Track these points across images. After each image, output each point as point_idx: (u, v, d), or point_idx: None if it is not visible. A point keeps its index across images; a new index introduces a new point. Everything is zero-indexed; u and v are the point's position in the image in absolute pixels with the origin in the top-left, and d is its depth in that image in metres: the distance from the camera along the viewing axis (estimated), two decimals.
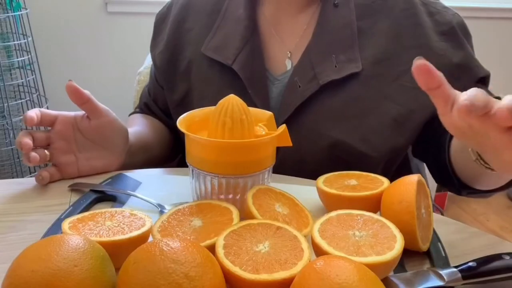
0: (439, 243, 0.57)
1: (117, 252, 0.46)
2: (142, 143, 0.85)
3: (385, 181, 0.62)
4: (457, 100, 0.44)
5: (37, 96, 1.85)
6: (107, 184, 0.70)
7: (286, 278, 0.43)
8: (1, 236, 0.58)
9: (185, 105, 0.87)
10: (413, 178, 0.56)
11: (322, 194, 0.64)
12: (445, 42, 0.79)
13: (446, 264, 0.53)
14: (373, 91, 0.79)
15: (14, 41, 1.76)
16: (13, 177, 1.81)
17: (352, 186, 0.62)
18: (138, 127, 0.89)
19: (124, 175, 0.74)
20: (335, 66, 0.78)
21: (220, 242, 0.47)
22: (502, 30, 2.35)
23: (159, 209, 0.63)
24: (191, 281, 0.39)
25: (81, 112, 0.73)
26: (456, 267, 0.49)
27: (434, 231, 0.59)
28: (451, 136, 0.74)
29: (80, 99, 0.71)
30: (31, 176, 1.14)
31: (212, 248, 0.46)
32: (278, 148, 0.65)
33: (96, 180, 0.72)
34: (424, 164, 0.96)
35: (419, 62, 0.45)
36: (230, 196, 0.61)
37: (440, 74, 0.46)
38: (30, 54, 1.80)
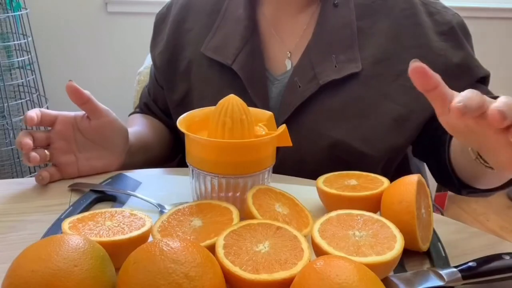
0: (439, 243, 0.57)
1: (117, 252, 0.46)
2: (142, 143, 0.85)
3: (385, 181, 0.62)
4: (452, 102, 0.44)
5: (37, 96, 1.85)
6: (107, 184, 0.70)
7: (286, 278, 0.43)
8: (1, 236, 0.58)
9: (185, 105, 0.87)
10: (413, 178, 0.56)
11: (322, 194, 0.64)
12: (445, 42, 0.79)
13: (446, 264, 0.53)
14: (373, 91, 0.79)
15: (14, 41, 1.76)
16: (13, 177, 1.81)
17: (352, 186, 0.62)
18: (138, 127, 0.89)
19: (124, 175, 0.74)
20: (335, 66, 0.78)
21: (220, 242, 0.47)
22: (502, 30, 2.35)
23: (159, 209, 0.63)
24: (191, 281, 0.39)
25: (81, 112, 0.73)
26: (456, 267, 0.49)
27: (434, 231, 0.59)
28: (451, 136, 0.74)
29: (80, 99, 0.71)
30: (31, 176, 1.14)
31: (212, 248, 0.46)
32: (278, 148, 0.65)
33: (96, 180, 0.72)
34: (424, 164, 0.96)
35: (415, 64, 0.45)
36: (230, 196, 0.61)
37: (436, 76, 0.46)
38: (30, 54, 1.80)
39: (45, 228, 0.59)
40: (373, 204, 0.59)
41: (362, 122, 0.78)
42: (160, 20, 0.95)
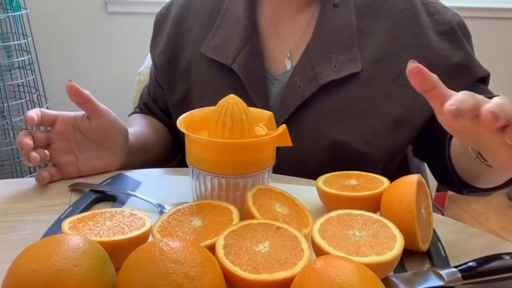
0: (439, 243, 0.57)
1: (117, 252, 0.46)
2: (142, 143, 0.85)
3: (385, 181, 0.62)
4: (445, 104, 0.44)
5: (37, 96, 1.85)
6: (107, 184, 0.70)
7: (286, 278, 0.43)
8: (1, 236, 0.58)
9: (185, 105, 0.87)
10: (413, 178, 0.56)
11: (322, 194, 0.64)
12: (445, 42, 0.79)
13: (446, 264, 0.53)
14: (373, 91, 0.79)
15: (14, 41, 1.76)
16: (13, 177, 1.81)
17: (352, 186, 0.62)
18: (138, 127, 0.89)
19: (124, 175, 0.74)
20: (335, 66, 0.78)
21: (220, 242, 0.47)
22: (502, 30, 2.35)
23: (159, 209, 0.63)
24: (191, 281, 0.39)
25: (81, 112, 0.73)
26: (456, 267, 0.49)
27: (434, 231, 0.59)
28: (451, 135, 0.74)
29: (80, 99, 0.71)
30: (31, 176, 1.14)
31: (212, 248, 0.46)
32: (278, 148, 0.65)
33: (96, 180, 0.72)
34: (425, 164, 0.96)
35: (412, 65, 0.46)
36: (230, 196, 0.61)
37: (433, 76, 0.46)
38: (30, 54, 1.80)
39: (45, 228, 0.59)
40: (373, 204, 0.59)
41: (362, 122, 0.78)
42: (160, 20, 0.95)
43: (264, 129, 0.64)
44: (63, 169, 0.73)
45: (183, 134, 0.61)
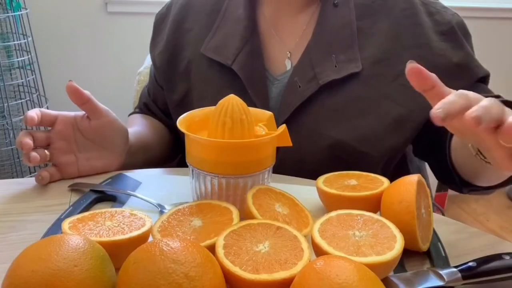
0: (439, 243, 0.57)
1: (117, 252, 0.46)
2: (142, 143, 0.85)
3: (385, 181, 0.62)
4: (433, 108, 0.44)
5: (37, 96, 1.85)
6: (107, 184, 0.70)
7: (286, 278, 0.43)
8: (1, 236, 0.58)
9: (185, 105, 0.87)
10: (413, 178, 0.56)
11: (322, 194, 0.64)
12: (445, 42, 0.79)
13: (446, 264, 0.53)
14: (373, 91, 0.79)
15: (14, 41, 1.76)
16: (13, 177, 1.81)
17: (352, 186, 0.62)
18: (138, 127, 0.89)
19: (124, 175, 0.74)
20: (335, 66, 0.78)
21: (220, 242, 0.47)
22: (502, 30, 2.35)
23: (159, 209, 0.63)
24: (191, 281, 0.39)
25: (81, 112, 0.73)
26: (456, 267, 0.49)
27: (434, 231, 0.59)
28: (452, 135, 0.74)
29: (80, 99, 0.71)
30: (31, 176, 1.14)
31: (212, 248, 0.46)
32: (278, 148, 0.65)
33: (96, 180, 0.72)
34: (425, 164, 0.96)
35: (411, 65, 0.47)
36: (230, 196, 0.61)
37: (432, 75, 0.47)
38: (30, 54, 1.80)
39: (45, 228, 0.59)
40: (373, 204, 0.59)
41: (362, 122, 0.78)
42: (160, 20, 0.95)
43: (264, 129, 0.64)
44: (63, 169, 0.73)
45: (183, 134, 0.61)
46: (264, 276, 0.43)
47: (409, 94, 0.77)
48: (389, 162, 0.82)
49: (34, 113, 0.69)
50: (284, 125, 0.64)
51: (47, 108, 1.80)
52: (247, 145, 0.60)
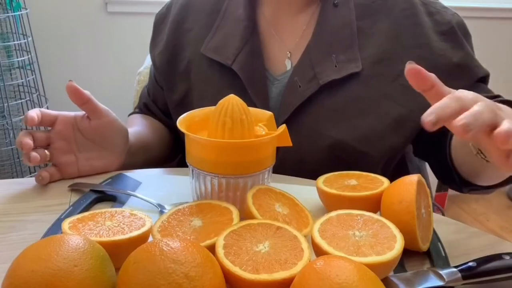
0: (439, 243, 0.57)
1: (117, 252, 0.46)
2: (142, 143, 0.85)
3: (385, 181, 0.62)
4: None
5: (37, 96, 1.85)
6: (107, 184, 0.70)
7: (286, 278, 0.43)
8: (1, 236, 0.58)
9: (185, 105, 0.87)
10: (413, 178, 0.56)
11: (322, 194, 0.64)
12: (445, 42, 0.79)
13: (446, 264, 0.53)
14: (373, 91, 0.79)
15: (14, 41, 1.76)
16: (13, 177, 1.81)
17: (352, 186, 0.62)
18: (138, 127, 0.89)
19: (124, 175, 0.74)
20: (335, 66, 0.78)
21: (220, 242, 0.47)
22: (502, 30, 2.35)
23: (159, 209, 0.63)
24: (191, 281, 0.39)
25: (81, 112, 0.73)
26: (456, 267, 0.49)
27: (434, 231, 0.59)
28: (452, 134, 0.74)
29: (80, 99, 0.71)
30: (31, 176, 1.14)
31: (212, 248, 0.46)
32: (278, 148, 0.65)
33: (96, 180, 0.72)
34: (425, 164, 0.96)
35: (410, 66, 0.48)
36: (230, 196, 0.61)
37: (432, 76, 0.47)
38: (30, 54, 1.79)
39: (45, 228, 0.59)
40: (373, 204, 0.59)
41: (362, 122, 0.78)
42: (160, 20, 0.95)
43: (264, 129, 0.64)
44: (63, 169, 0.73)
45: (183, 134, 0.61)
46: (264, 276, 0.43)
47: (409, 94, 0.77)
48: (389, 162, 0.82)
49: (34, 113, 0.69)
50: (284, 125, 0.64)
51: (47, 108, 1.80)
52: (247, 145, 0.60)
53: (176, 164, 0.99)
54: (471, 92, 0.48)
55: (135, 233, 0.50)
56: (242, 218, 0.54)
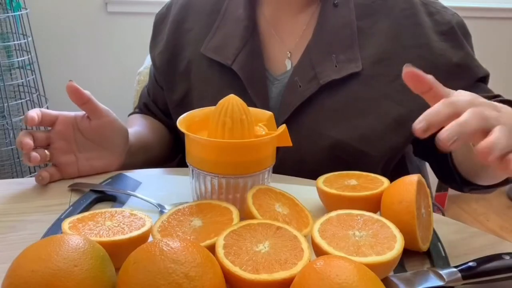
0: (439, 243, 0.57)
1: (117, 252, 0.46)
2: (142, 143, 0.85)
3: (385, 181, 0.62)
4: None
5: (37, 96, 1.85)
6: (107, 184, 0.70)
7: (286, 278, 0.43)
8: (1, 236, 0.58)
9: (185, 105, 0.87)
10: (413, 178, 0.56)
11: (322, 194, 0.64)
12: (445, 42, 0.79)
13: (446, 264, 0.53)
14: (373, 91, 0.79)
15: (14, 41, 1.76)
16: (13, 177, 1.81)
17: (352, 186, 0.62)
18: (138, 127, 0.89)
19: (124, 175, 0.74)
20: (335, 66, 0.78)
21: (220, 242, 0.47)
22: (502, 30, 2.35)
23: (159, 209, 0.63)
24: (191, 281, 0.39)
25: (81, 112, 0.73)
26: (456, 267, 0.49)
27: (434, 231, 0.59)
28: None
29: (80, 99, 0.71)
30: (31, 176, 1.14)
31: (212, 248, 0.46)
32: (278, 148, 0.65)
33: (96, 180, 0.72)
34: (425, 164, 0.96)
35: (407, 69, 0.48)
36: (230, 196, 0.61)
37: (429, 78, 0.48)
38: (30, 54, 1.80)
39: (45, 228, 0.59)
40: (373, 204, 0.59)
41: (362, 122, 0.78)
42: (160, 20, 0.95)
43: (264, 129, 0.64)
44: (63, 169, 0.73)
45: (183, 134, 0.61)
46: (264, 276, 0.43)
47: (409, 94, 0.76)
48: (389, 162, 0.82)
49: (34, 113, 0.69)
50: (284, 125, 0.64)
51: (47, 108, 1.80)
52: (247, 145, 0.60)
53: (176, 164, 0.99)
54: (468, 94, 0.48)
55: (135, 233, 0.50)
56: (242, 218, 0.54)
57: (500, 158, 0.44)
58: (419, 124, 0.45)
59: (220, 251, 0.46)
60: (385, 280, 0.47)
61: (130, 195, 0.67)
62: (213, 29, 0.87)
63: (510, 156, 0.44)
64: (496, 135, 0.44)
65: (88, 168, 0.74)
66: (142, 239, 0.50)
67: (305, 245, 0.48)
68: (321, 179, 0.65)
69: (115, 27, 2.01)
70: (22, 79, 1.81)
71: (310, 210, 0.60)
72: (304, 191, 0.66)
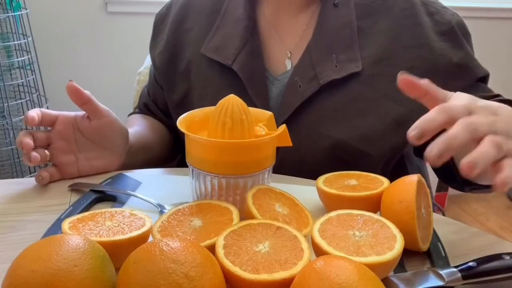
0: (439, 243, 0.57)
1: (117, 252, 0.46)
2: (142, 144, 0.85)
3: (385, 181, 0.62)
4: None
5: (37, 96, 1.85)
6: (107, 184, 0.70)
7: (286, 278, 0.43)
8: (1, 236, 0.58)
9: (185, 105, 0.87)
10: (413, 178, 0.56)
11: (322, 194, 0.64)
12: (445, 42, 0.79)
13: (446, 264, 0.53)
14: (373, 91, 0.79)
15: (14, 41, 1.76)
16: (13, 177, 1.81)
17: (352, 186, 0.62)
18: (138, 127, 0.89)
19: (124, 175, 0.74)
20: (336, 66, 0.78)
21: (220, 242, 0.47)
22: (502, 30, 2.35)
23: (159, 209, 0.63)
24: (191, 281, 0.39)
25: (81, 112, 0.73)
26: (456, 267, 0.49)
27: (434, 231, 0.59)
28: None
29: (80, 99, 0.71)
30: (31, 176, 1.14)
31: (212, 248, 0.46)
32: (278, 148, 0.65)
33: (96, 180, 0.72)
34: (425, 164, 0.96)
35: (402, 77, 0.49)
36: (230, 196, 0.61)
37: (424, 83, 0.48)
38: (30, 54, 1.80)
39: (45, 228, 0.59)
40: (373, 204, 0.59)
41: (362, 122, 0.78)
42: (160, 20, 0.95)
43: (264, 129, 0.64)
44: (63, 169, 0.73)
45: (183, 134, 0.61)
46: (264, 276, 0.43)
47: None
48: (389, 162, 0.82)
49: (34, 113, 0.69)
50: (284, 125, 0.64)
51: (47, 108, 1.80)
52: (247, 145, 0.60)
53: (176, 164, 0.99)
54: (465, 98, 0.48)
55: (135, 233, 0.50)
56: (242, 218, 0.54)
57: (493, 165, 0.44)
58: (413, 132, 0.45)
59: (220, 251, 0.46)
60: (385, 280, 0.47)
61: (130, 195, 0.67)
62: (213, 29, 0.87)
63: (501, 164, 0.44)
64: (481, 149, 0.44)
65: (88, 168, 0.74)
66: (142, 239, 0.50)
67: (305, 245, 0.48)
68: (321, 179, 0.65)
69: (115, 27, 2.01)
70: (22, 79, 1.81)
71: (310, 210, 0.60)
72: (304, 191, 0.66)
